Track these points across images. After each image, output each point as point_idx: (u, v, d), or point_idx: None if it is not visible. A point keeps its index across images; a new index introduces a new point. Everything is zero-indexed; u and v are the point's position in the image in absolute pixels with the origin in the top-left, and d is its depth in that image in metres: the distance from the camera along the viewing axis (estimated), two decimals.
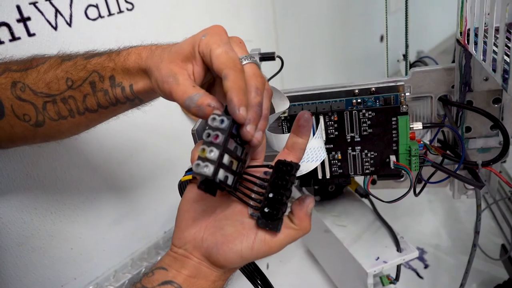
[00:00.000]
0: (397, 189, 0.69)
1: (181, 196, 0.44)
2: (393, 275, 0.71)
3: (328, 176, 0.59)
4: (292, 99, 0.57)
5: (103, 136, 0.74)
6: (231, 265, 0.39)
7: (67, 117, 0.48)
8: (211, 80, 0.46)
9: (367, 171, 0.58)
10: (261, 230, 0.38)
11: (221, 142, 0.36)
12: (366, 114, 0.54)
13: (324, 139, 0.56)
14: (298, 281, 0.86)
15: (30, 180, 0.66)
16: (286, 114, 0.56)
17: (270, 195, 0.39)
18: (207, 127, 0.36)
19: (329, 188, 0.80)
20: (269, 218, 0.38)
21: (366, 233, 0.73)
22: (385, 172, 0.58)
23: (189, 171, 0.45)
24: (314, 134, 0.54)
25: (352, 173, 0.58)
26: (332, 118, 0.55)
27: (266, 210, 0.38)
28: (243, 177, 0.41)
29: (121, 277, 0.79)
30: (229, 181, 0.37)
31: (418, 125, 0.55)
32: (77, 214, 0.73)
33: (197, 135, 0.53)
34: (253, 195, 0.41)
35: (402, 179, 0.68)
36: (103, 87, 0.46)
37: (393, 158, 0.56)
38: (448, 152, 0.58)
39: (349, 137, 0.56)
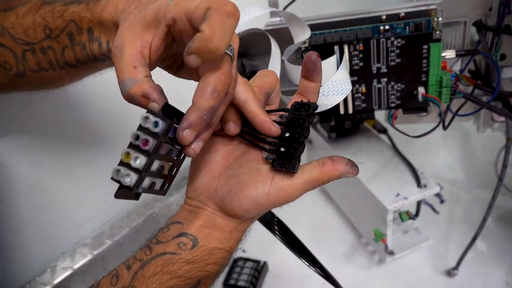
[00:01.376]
0: (418, 123, 0.66)
1: None
2: (412, 211, 0.70)
3: (350, 111, 0.55)
4: (313, 27, 0.52)
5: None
6: (246, 213, 0.36)
7: (48, 70, 0.43)
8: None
9: (393, 104, 0.54)
10: (277, 175, 0.35)
11: (151, 149, 0.30)
12: (395, 42, 0.50)
13: (349, 70, 0.51)
14: (313, 219, 0.85)
15: (33, 120, 0.63)
16: (306, 44, 0.52)
17: (286, 134, 0.36)
18: (138, 125, 0.30)
19: (346, 125, 0.77)
20: (286, 158, 0.35)
21: (384, 169, 0.71)
22: (412, 105, 0.54)
23: None
24: (338, 65, 0.50)
25: (377, 107, 0.55)
26: (358, 47, 0.51)
27: (282, 149, 0.35)
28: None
29: (135, 217, 0.79)
30: (157, 186, 0.33)
31: (451, 53, 0.50)
32: (86, 155, 0.71)
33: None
34: (268, 139, 0.37)
35: (426, 113, 0.65)
36: (81, 40, 0.40)
37: (421, 90, 0.52)
38: (479, 82, 0.54)
39: (375, 68, 0.52)
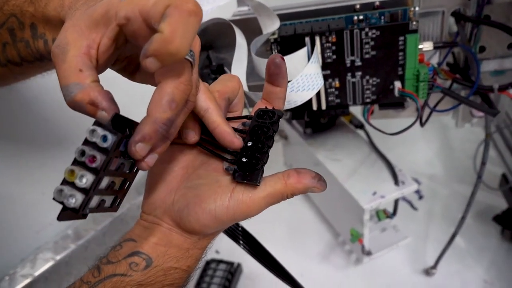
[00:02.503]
0: (395, 118, 0.63)
1: None
2: (390, 209, 0.68)
3: (324, 107, 0.52)
4: (282, 17, 0.49)
5: None
6: (204, 229, 0.32)
7: None
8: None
9: (368, 100, 0.51)
10: (238, 187, 0.32)
11: (99, 166, 0.27)
12: (370, 34, 0.47)
13: (320, 64, 0.48)
14: (289, 217, 0.82)
15: None
16: (276, 36, 0.48)
17: (249, 143, 0.33)
18: (84, 139, 0.27)
19: (322, 120, 0.74)
20: (248, 169, 0.32)
21: (361, 166, 0.68)
22: (388, 101, 0.51)
23: None
24: (309, 58, 0.46)
25: (351, 103, 0.52)
26: (330, 39, 0.47)
27: (244, 160, 0.32)
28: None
29: (101, 219, 0.74)
30: (107, 204, 0.30)
31: (428, 45, 0.48)
32: (44, 156, 0.66)
33: None
34: (230, 149, 0.34)
35: (403, 109, 0.62)
36: (24, 37, 0.36)
37: (398, 84, 0.49)
38: (458, 76, 0.51)
39: (348, 62, 0.49)
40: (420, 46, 0.47)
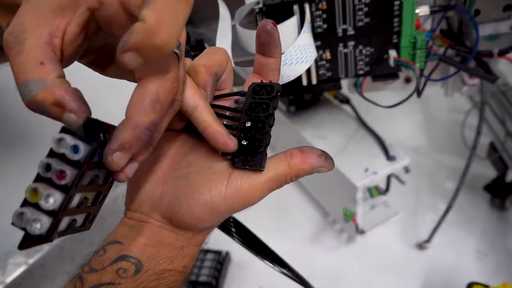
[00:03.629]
0: (382, 91, 0.61)
1: None
2: (381, 185, 0.66)
3: (314, 81, 0.48)
4: None
5: None
6: (199, 222, 0.28)
7: None
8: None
9: (361, 72, 0.48)
10: (235, 173, 0.28)
11: (70, 183, 0.23)
12: None
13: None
14: (276, 202, 0.79)
15: None
16: (261, 5, 0.44)
17: (248, 124, 0.29)
18: (49, 151, 0.23)
19: (306, 97, 0.70)
20: (249, 153, 0.28)
21: (350, 143, 0.66)
22: (382, 72, 0.48)
23: None
24: (300, 28, 0.42)
25: (343, 76, 0.48)
26: (320, 6, 0.43)
27: (243, 143, 0.28)
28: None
29: None
30: (78, 223, 0.25)
31: (424, 10, 0.44)
32: (13, 154, 0.60)
33: None
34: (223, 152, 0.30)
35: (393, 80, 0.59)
36: None
37: (393, 53, 0.46)
38: (454, 42, 0.48)
39: (340, 31, 0.45)
40: (416, 11, 0.44)
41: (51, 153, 0.23)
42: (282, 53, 0.40)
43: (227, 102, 0.31)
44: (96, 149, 0.23)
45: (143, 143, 0.24)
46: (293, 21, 0.42)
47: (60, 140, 0.22)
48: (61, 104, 0.23)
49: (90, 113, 0.24)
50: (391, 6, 0.43)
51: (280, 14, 0.43)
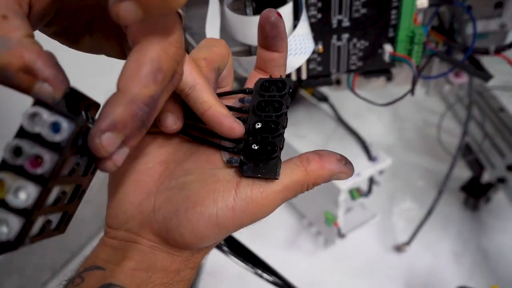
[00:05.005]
0: (363, 90, 0.58)
1: None
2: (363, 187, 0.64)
3: (304, 76, 0.45)
4: None
5: None
6: (201, 241, 0.23)
7: None
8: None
9: (353, 67, 0.45)
10: (244, 182, 0.24)
11: (48, 172, 0.17)
12: None
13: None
14: None
15: None
16: None
17: (258, 125, 0.24)
18: (18, 130, 0.18)
19: None
20: (260, 160, 0.24)
21: (329, 142, 0.63)
22: (376, 67, 0.46)
23: None
24: (295, 16, 0.39)
25: (335, 71, 0.45)
26: None
27: (254, 147, 0.24)
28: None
29: None
30: (53, 225, 0.20)
31: (422, 2, 0.42)
32: None
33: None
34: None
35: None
36: None
37: (388, 48, 0.43)
38: (448, 38, 0.47)
39: (335, 22, 0.42)
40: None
41: (22, 133, 0.17)
42: None
43: (230, 102, 0.27)
44: (82, 128, 0.18)
45: (139, 123, 0.19)
46: (288, 8, 0.38)
47: (34, 116, 0.17)
48: (32, 71, 0.18)
49: (68, 83, 0.19)
50: None
51: (271, 1, 0.39)
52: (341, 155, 0.25)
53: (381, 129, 0.90)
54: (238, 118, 0.25)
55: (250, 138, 0.24)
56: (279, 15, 0.25)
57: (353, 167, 0.26)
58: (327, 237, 0.66)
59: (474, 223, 0.70)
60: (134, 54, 0.19)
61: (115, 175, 0.26)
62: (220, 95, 0.26)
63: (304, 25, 0.36)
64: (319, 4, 0.40)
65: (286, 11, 0.38)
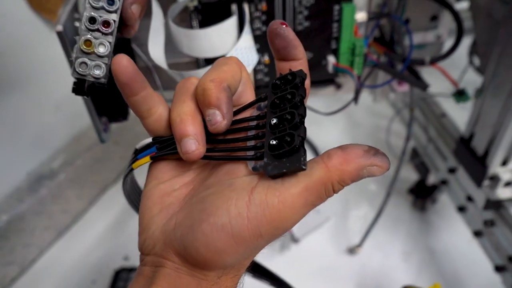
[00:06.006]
0: (313, 97, 0.60)
1: (125, 190, 0.30)
2: None
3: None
4: None
5: None
6: (219, 256, 0.22)
7: None
8: None
9: None
10: (260, 185, 0.22)
11: (114, 31, 0.26)
12: (304, 1, 0.41)
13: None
14: None
15: None
16: (195, 3, 0.40)
17: (273, 121, 0.23)
18: (87, 7, 0.25)
19: None
20: (283, 153, 0.22)
21: None
22: (321, 77, 0.47)
23: (143, 150, 0.27)
24: (239, 29, 0.40)
25: None
26: (260, 7, 0.41)
27: (272, 142, 0.22)
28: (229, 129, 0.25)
29: None
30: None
31: (362, 16, 0.44)
32: None
33: (64, 35, 0.35)
34: (248, 143, 0.25)
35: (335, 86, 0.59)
36: None
37: (331, 59, 0.45)
38: (388, 49, 0.49)
39: None
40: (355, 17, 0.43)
41: (90, 7, 0.25)
42: (224, 56, 0.37)
43: (250, 112, 0.26)
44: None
45: None
46: (232, 21, 0.39)
47: None
48: None
49: None
50: (331, 10, 0.42)
51: (216, 13, 0.40)
52: (369, 146, 0.22)
53: (336, 134, 0.93)
54: (257, 124, 0.24)
55: (270, 138, 0.23)
56: (284, 24, 0.24)
57: (387, 158, 0.22)
58: (282, 242, 0.68)
59: (422, 223, 0.73)
60: None
61: (145, 199, 0.26)
62: (238, 111, 0.26)
63: (247, 38, 0.37)
64: (263, 17, 0.41)
65: (230, 24, 0.39)
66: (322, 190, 0.21)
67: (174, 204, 0.25)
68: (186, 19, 0.42)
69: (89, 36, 0.25)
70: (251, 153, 0.24)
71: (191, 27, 0.41)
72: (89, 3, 0.25)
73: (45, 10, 0.63)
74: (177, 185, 0.26)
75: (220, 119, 0.23)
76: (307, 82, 0.25)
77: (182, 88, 0.25)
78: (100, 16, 0.25)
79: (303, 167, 0.21)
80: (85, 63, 0.25)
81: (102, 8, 0.25)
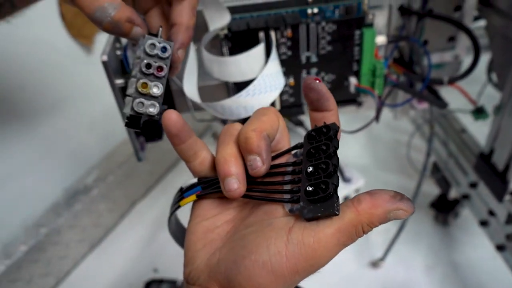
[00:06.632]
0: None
1: (170, 226, 0.34)
2: None
3: (278, 107, 0.48)
4: (230, 10, 0.44)
5: None
6: None
7: None
8: None
9: None
10: (296, 226, 0.25)
11: (166, 75, 0.30)
12: (326, 28, 0.44)
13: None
14: None
15: None
16: (226, 32, 0.43)
17: (309, 169, 0.26)
18: (143, 54, 0.30)
19: None
20: (317, 199, 0.24)
21: None
22: (343, 98, 0.50)
23: (189, 190, 0.31)
24: (266, 55, 0.42)
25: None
26: (285, 34, 0.44)
27: (308, 189, 0.25)
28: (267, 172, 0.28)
29: (13, 251, 0.63)
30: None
31: (382, 39, 0.46)
32: None
33: (108, 64, 0.38)
34: (285, 187, 0.28)
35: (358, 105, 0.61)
36: None
37: (353, 80, 0.47)
38: (407, 70, 0.51)
39: (304, 58, 0.46)
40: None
41: (146, 54, 0.30)
42: (254, 79, 0.40)
43: (286, 158, 0.29)
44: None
45: (190, 38, 0.34)
46: (260, 48, 0.42)
47: (153, 45, 0.30)
48: (132, 20, 0.30)
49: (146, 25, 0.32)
50: (353, 35, 0.45)
51: (244, 40, 0.43)
52: (395, 191, 0.25)
53: (357, 150, 0.95)
54: (293, 170, 0.27)
55: (306, 184, 0.25)
56: (318, 79, 0.28)
57: (411, 202, 0.25)
58: None
59: (445, 238, 0.74)
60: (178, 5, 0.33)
61: (190, 235, 0.29)
62: (275, 156, 0.29)
63: (273, 64, 0.40)
64: (289, 43, 0.44)
65: (258, 51, 0.42)
66: (353, 231, 0.24)
67: (216, 240, 0.28)
68: (216, 45, 0.45)
69: (146, 80, 0.29)
70: (287, 196, 0.26)
71: (221, 53, 0.44)
72: (145, 51, 0.29)
73: (82, 36, 0.67)
74: (219, 223, 0.29)
75: (260, 165, 0.26)
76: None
77: (226, 133, 0.29)
78: (155, 62, 0.30)
79: (337, 212, 0.24)
80: (142, 102, 0.30)
81: (156, 55, 0.30)
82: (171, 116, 0.28)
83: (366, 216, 0.24)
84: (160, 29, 0.31)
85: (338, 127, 0.27)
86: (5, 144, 0.61)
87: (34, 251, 0.64)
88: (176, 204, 0.31)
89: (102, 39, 0.71)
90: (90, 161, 0.77)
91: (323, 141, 0.27)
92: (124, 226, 0.81)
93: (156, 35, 0.31)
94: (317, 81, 0.28)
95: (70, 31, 0.65)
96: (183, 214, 0.33)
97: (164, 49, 0.30)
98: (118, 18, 0.29)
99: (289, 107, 0.49)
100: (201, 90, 0.44)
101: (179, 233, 0.35)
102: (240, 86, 0.46)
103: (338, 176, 0.25)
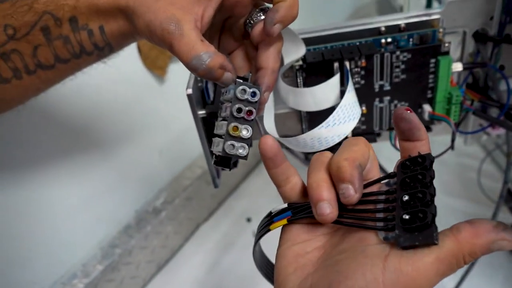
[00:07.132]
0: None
1: (255, 255, 0.35)
2: None
3: (350, 134, 0.49)
4: (305, 42, 0.46)
5: (59, 98, 0.58)
6: None
7: (11, 80, 0.35)
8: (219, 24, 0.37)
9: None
10: (392, 254, 0.24)
11: (255, 118, 0.32)
12: (401, 57, 0.44)
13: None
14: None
15: None
16: (301, 63, 0.45)
17: (405, 197, 0.26)
18: (234, 99, 0.32)
19: None
20: (415, 228, 0.24)
21: None
22: None
23: (279, 214, 0.31)
24: (346, 85, 0.43)
25: (377, 128, 0.49)
26: (359, 63, 0.44)
27: (405, 217, 0.25)
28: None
29: (91, 270, 0.66)
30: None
31: (457, 67, 0.46)
32: (23, 203, 0.58)
33: (193, 97, 0.41)
34: (377, 215, 0.27)
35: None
36: (62, 33, 0.34)
37: (427, 108, 0.47)
38: (484, 96, 0.50)
39: (377, 86, 0.46)
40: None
41: (237, 99, 0.32)
42: (330, 109, 0.40)
43: (377, 187, 0.29)
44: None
45: (273, 84, 0.35)
46: (336, 79, 0.43)
47: (243, 91, 0.32)
48: (224, 67, 0.31)
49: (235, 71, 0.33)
50: (428, 63, 0.45)
51: (319, 71, 0.44)
52: (497, 221, 0.24)
53: None
54: (387, 199, 0.27)
55: (402, 212, 0.25)
56: (409, 110, 0.28)
57: None
58: None
59: None
60: (270, 49, 0.35)
61: (280, 260, 0.30)
62: (367, 185, 0.29)
63: (350, 95, 0.41)
64: (362, 72, 0.45)
65: (333, 82, 0.43)
66: (453, 261, 0.24)
67: (308, 265, 0.28)
68: (290, 74, 0.46)
69: (236, 124, 0.32)
70: (380, 223, 0.26)
71: (296, 83, 0.46)
72: (236, 96, 0.31)
73: (156, 67, 0.71)
74: (309, 248, 0.29)
75: (353, 193, 0.26)
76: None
77: (317, 160, 0.29)
78: (245, 106, 0.32)
79: (436, 242, 0.23)
80: (233, 145, 0.32)
81: (246, 100, 0.32)
82: (268, 141, 0.30)
83: (467, 246, 0.23)
84: (250, 74, 0.33)
85: (434, 158, 0.27)
86: (87, 170, 0.66)
87: (109, 270, 0.68)
88: (265, 228, 0.31)
89: (174, 69, 0.75)
90: (159, 185, 0.80)
91: (419, 171, 0.26)
92: (189, 248, 0.83)
93: (246, 79, 0.32)
94: (408, 111, 0.28)
95: (145, 62, 0.69)
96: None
97: (253, 94, 0.32)
98: (212, 65, 0.31)
99: (360, 134, 0.49)
100: (275, 117, 0.45)
101: (262, 262, 0.36)
102: (313, 114, 0.47)
103: (435, 206, 0.24)
